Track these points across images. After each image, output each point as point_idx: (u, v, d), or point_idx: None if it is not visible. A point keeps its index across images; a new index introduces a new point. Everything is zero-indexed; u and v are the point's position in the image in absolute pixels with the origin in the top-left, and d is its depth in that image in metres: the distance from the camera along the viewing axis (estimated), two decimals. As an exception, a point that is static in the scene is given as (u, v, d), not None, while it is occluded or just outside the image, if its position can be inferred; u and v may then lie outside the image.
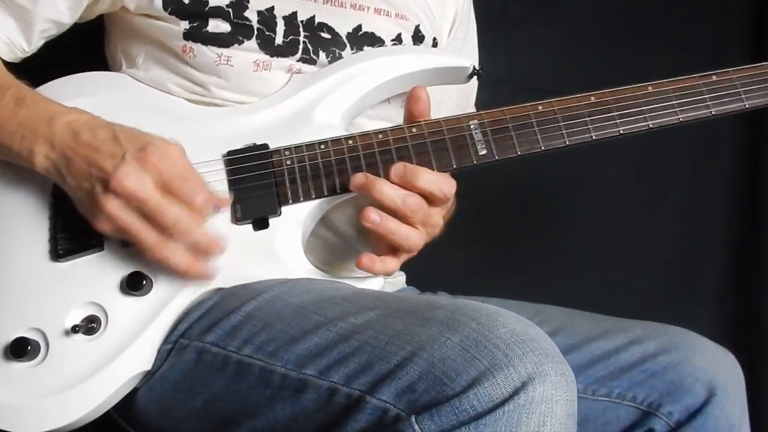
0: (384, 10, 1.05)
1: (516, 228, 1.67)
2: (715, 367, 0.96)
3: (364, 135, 0.93)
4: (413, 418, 0.70)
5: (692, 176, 1.72)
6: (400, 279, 1.17)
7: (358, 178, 0.90)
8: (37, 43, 0.99)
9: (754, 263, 1.69)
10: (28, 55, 1.00)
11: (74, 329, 0.85)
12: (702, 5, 1.68)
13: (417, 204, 0.89)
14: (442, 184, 0.90)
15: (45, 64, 1.00)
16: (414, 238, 0.90)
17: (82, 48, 1.05)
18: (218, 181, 0.91)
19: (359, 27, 1.03)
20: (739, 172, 1.71)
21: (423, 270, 1.20)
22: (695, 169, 1.72)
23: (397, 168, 0.90)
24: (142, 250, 0.85)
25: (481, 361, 0.69)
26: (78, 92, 0.95)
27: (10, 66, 0.96)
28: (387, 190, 0.88)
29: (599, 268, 1.66)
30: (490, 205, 1.64)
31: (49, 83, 0.97)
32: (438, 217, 0.92)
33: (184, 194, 0.83)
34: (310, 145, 0.93)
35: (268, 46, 0.97)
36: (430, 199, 0.90)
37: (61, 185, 0.87)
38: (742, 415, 0.98)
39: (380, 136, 0.93)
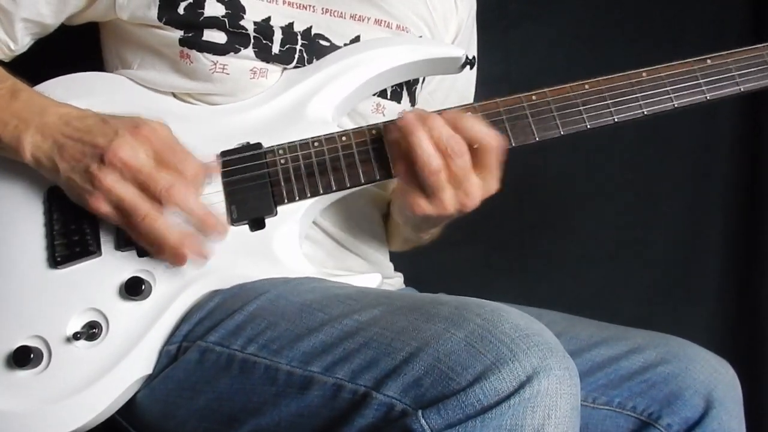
0: (385, 21, 1.04)
1: (515, 228, 1.66)
2: (714, 380, 0.97)
3: (358, 131, 0.93)
4: (420, 413, 0.71)
5: (692, 176, 1.71)
6: (397, 280, 1.16)
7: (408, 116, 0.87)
8: (23, 40, 0.99)
9: (754, 263, 1.69)
10: (17, 53, 1.00)
11: (76, 336, 0.85)
12: (703, 6, 1.67)
13: (460, 149, 0.86)
14: (493, 137, 0.86)
15: (41, 64, 0.99)
16: (443, 180, 0.86)
17: (79, 48, 1.04)
18: (213, 182, 0.91)
19: (357, 38, 1.02)
20: (738, 171, 1.70)
21: (422, 271, 1.20)
22: (695, 168, 1.71)
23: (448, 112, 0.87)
24: (136, 223, 0.84)
25: (487, 356, 0.70)
26: (73, 93, 0.94)
27: (8, 68, 0.95)
28: (436, 123, 0.86)
29: (598, 268, 1.66)
30: (489, 205, 1.63)
31: (44, 83, 0.96)
32: (476, 188, 0.88)
33: (175, 163, 0.85)
34: (304, 144, 0.92)
35: (264, 54, 0.96)
36: (475, 153, 0.86)
37: (51, 176, 0.87)
38: (739, 429, 0.98)
39: (374, 132, 0.92)
